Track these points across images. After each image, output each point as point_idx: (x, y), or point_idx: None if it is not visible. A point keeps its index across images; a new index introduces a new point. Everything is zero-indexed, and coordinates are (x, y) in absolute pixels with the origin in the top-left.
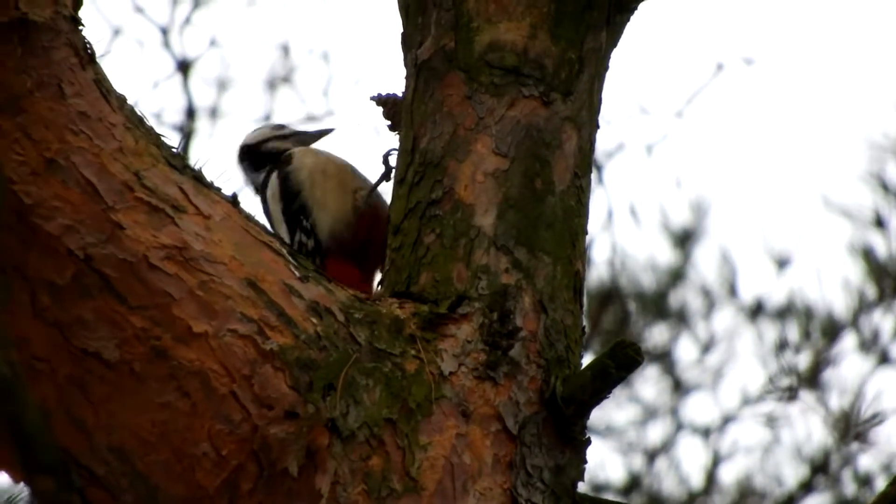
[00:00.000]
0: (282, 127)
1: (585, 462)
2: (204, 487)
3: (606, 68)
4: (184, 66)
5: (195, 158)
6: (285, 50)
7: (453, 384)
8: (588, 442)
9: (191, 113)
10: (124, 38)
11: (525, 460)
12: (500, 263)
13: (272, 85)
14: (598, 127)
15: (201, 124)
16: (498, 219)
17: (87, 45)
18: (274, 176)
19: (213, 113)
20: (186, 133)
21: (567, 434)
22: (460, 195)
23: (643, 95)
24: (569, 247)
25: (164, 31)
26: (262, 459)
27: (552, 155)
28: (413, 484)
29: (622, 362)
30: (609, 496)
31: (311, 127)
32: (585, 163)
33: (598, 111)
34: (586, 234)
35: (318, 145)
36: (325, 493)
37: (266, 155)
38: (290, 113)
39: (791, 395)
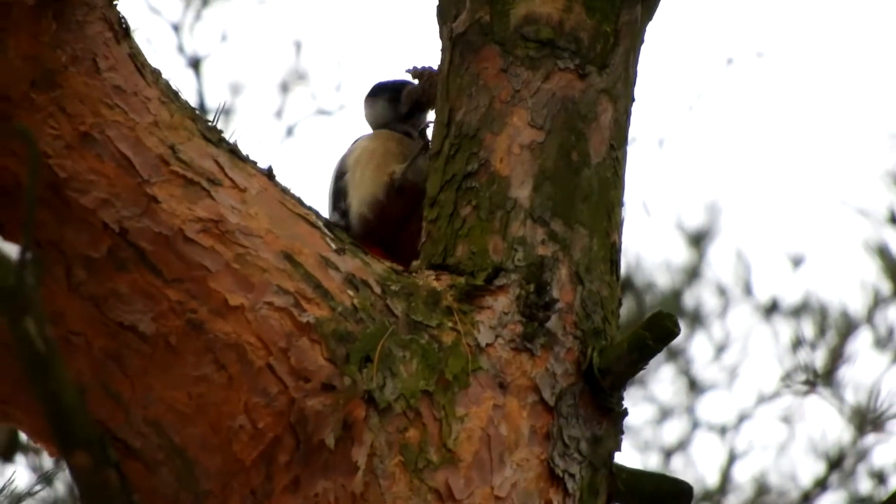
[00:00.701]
0: (396, 96)
1: (622, 433)
2: (240, 460)
3: (642, 41)
4: (195, 64)
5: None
6: (298, 46)
7: (490, 356)
8: (625, 413)
9: (203, 110)
10: (136, 36)
11: (562, 431)
12: (536, 235)
13: (286, 86)
14: (633, 100)
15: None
16: (534, 191)
17: (122, 20)
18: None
19: (226, 112)
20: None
21: (604, 405)
22: (496, 167)
23: (654, 89)
24: (605, 219)
25: (176, 29)
26: (298, 432)
27: (588, 127)
28: (450, 455)
29: (659, 333)
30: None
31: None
32: (621, 135)
33: (633, 84)
34: (623, 206)
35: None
36: (362, 465)
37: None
38: (302, 108)
39: (807, 392)
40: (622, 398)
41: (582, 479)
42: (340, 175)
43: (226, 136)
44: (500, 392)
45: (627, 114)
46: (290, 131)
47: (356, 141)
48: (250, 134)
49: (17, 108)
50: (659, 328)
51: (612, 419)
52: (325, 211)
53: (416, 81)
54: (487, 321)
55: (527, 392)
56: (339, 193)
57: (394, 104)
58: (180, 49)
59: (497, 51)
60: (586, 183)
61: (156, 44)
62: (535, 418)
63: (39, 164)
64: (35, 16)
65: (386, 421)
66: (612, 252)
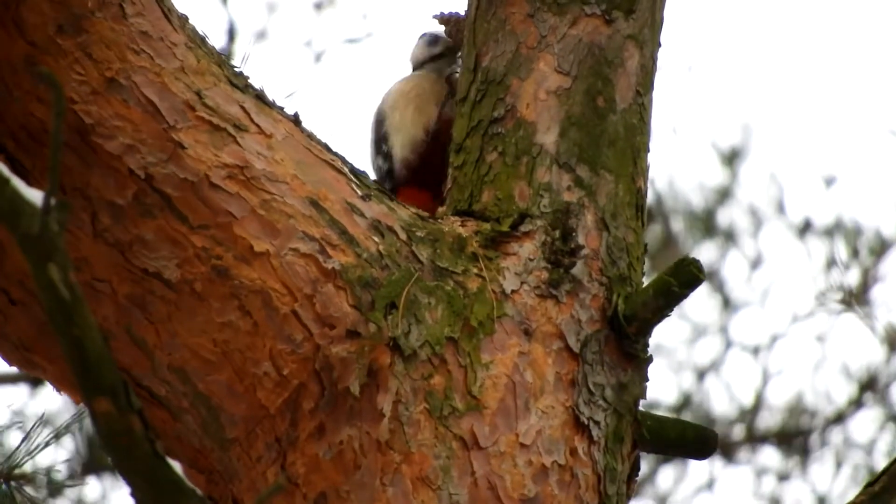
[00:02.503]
0: (435, 40)
1: (647, 380)
2: (265, 407)
3: None
4: None
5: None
6: None
7: (515, 302)
8: (650, 360)
9: (231, 35)
10: None
11: (587, 378)
12: (562, 181)
13: (319, 5)
14: (660, 45)
15: (243, 47)
16: (560, 136)
17: None
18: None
19: (260, 36)
20: (227, 55)
21: (629, 352)
22: (522, 113)
23: (686, 13)
24: (631, 164)
25: None
26: (323, 379)
27: (614, 73)
28: (475, 402)
29: (684, 279)
30: (660, 413)
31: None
32: (648, 81)
33: (660, 29)
34: (648, 151)
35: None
36: (387, 412)
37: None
38: (330, 35)
39: (840, 311)
40: (647, 345)
41: (607, 426)
42: (380, 121)
43: (252, 80)
44: (525, 339)
45: (654, 59)
46: (318, 58)
47: (389, 89)
48: (280, 62)
49: (44, 54)
50: (684, 274)
51: (637, 366)
52: (354, 157)
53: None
54: (513, 267)
55: (552, 339)
56: (380, 139)
57: (431, 45)
58: None
59: None
60: (612, 128)
61: None
62: (560, 365)
63: (65, 109)
64: None
65: (411, 368)
66: (638, 198)
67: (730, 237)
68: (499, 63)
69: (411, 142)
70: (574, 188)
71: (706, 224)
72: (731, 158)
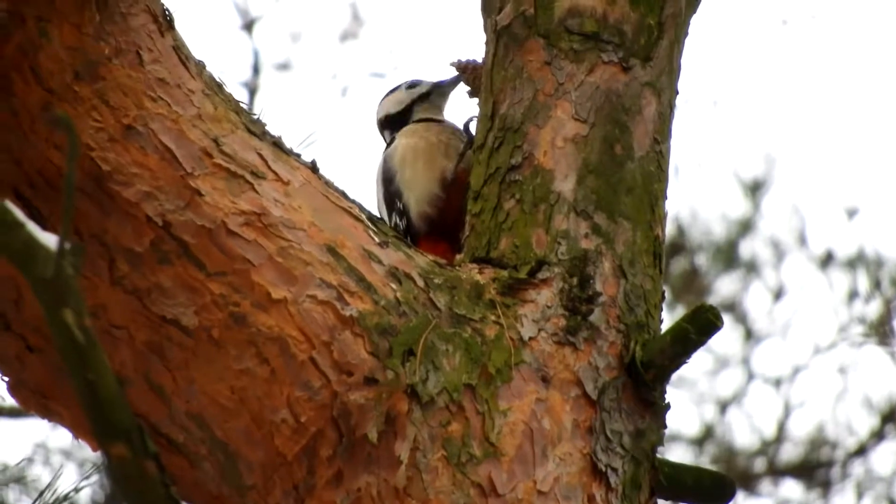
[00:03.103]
0: (416, 84)
1: (665, 427)
2: (283, 454)
3: (686, 34)
4: (249, 23)
5: (261, 112)
6: (353, 6)
7: (533, 349)
8: (668, 407)
9: (256, 69)
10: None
11: (605, 425)
12: (579, 228)
13: (343, 38)
14: (677, 93)
15: (268, 80)
16: (577, 184)
17: (166, 12)
18: (381, 159)
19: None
20: (251, 89)
21: (647, 399)
22: (540, 160)
23: (709, 51)
24: (648, 212)
25: None
26: (341, 426)
27: (632, 120)
28: (493, 449)
29: (702, 326)
30: (682, 446)
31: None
32: (665, 128)
33: (677, 77)
34: (666, 199)
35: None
36: (405, 459)
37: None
38: (356, 69)
39: (862, 343)
40: (665, 392)
41: (625, 473)
42: (389, 179)
43: (269, 128)
44: (543, 386)
45: (671, 107)
46: (344, 92)
47: (392, 143)
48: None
49: (61, 101)
50: (702, 321)
51: (654, 412)
52: (371, 204)
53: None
54: (530, 314)
55: (570, 386)
56: (393, 196)
57: (412, 88)
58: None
59: (541, 44)
60: (630, 176)
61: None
62: (578, 412)
63: (79, 151)
64: (79, 6)
65: (429, 415)
66: (656, 245)
67: (752, 269)
68: (516, 110)
69: (427, 196)
70: (591, 235)
71: (729, 256)
72: (754, 190)
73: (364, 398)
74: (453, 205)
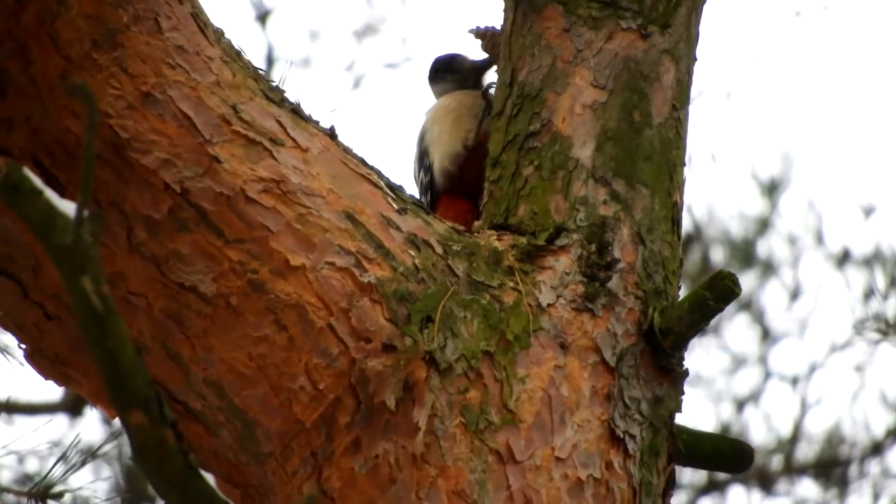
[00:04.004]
0: (455, 71)
1: (683, 393)
2: (301, 421)
3: (704, 1)
4: (263, 17)
5: (281, 80)
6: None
7: (551, 316)
8: (686, 373)
9: (271, 61)
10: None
11: (623, 392)
12: (598, 195)
13: (360, 35)
14: (695, 59)
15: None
16: (596, 151)
17: None
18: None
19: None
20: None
21: (665, 366)
22: (558, 127)
23: (722, 42)
24: (667, 178)
25: None
26: (359, 393)
27: (650, 87)
28: (511, 416)
29: (720, 293)
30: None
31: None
32: (683, 95)
33: (695, 44)
34: (684, 165)
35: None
36: (423, 425)
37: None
38: (370, 61)
39: (878, 341)
40: (683, 358)
41: (642, 440)
42: (422, 136)
43: (288, 95)
44: (561, 352)
45: (689, 74)
46: (357, 83)
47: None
48: (319, 86)
49: (79, 69)
50: (720, 288)
51: (672, 379)
52: (390, 172)
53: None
54: (549, 281)
55: (588, 352)
56: (422, 153)
57: (449, 74)
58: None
59: (560, 10)
60: (648, 143)
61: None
62: (596, 379)
63: (97, 120)
64: None
65: (447, 382)
66: (674, 212)
67: (769, 267)
68: (535, 77)
69: (450, 153)
70: (610, 202)
71: (745, 254)
72: (771, 189)
73: (382, 365)
74: (475, 165)
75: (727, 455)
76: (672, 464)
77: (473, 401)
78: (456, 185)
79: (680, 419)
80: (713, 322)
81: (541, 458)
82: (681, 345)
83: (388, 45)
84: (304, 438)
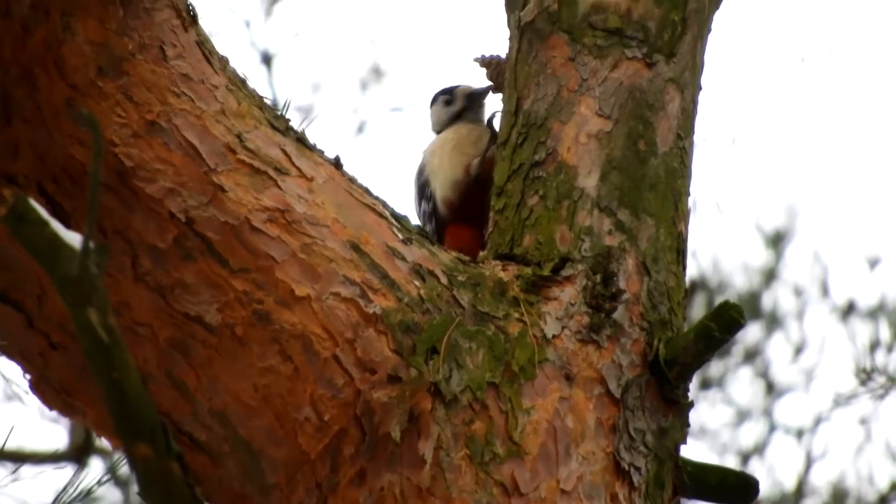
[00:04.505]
0: (450, 102)
1: (688, 425)
2: (306, 452)
3: (709, 30)
4: (267, 60)
5: (285, 108)
6: (373, 42)
7: (556, 347)
8: (691, 405)
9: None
10: (207, 32)
11: (628, 423)
12: (603, 225)
13: (364, 83)
14: (700, 88)
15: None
16: (601, 180)
17: (190, 7)
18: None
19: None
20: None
21: (670, 397)
22: (563, 157)
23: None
24: (672, 208)
25: (248, 25)
26: (364, 424)
27: (655, 116)
28: (516, 448)
29: (725, 324)
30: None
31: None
32: (688, 124)
33: (700, 73)
34: (689, 195)
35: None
36: (429, 457)
37: (457, 97)
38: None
39: (884, 394)
40: (688, 390)
41: (648, 471)
42: (421, 170)
43: (293, 125)
44: (567, 384)
45: (695, 103)
46: (361, 128)
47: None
48: (324, 129)
49: (84, 96)
50: (725, 319)
51: (678, 411)
52: (394, 202)
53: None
54: (554, 312)
55: (593, 384)
56: (423, 184)
57: (449, 104)
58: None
59: (565, 39)
60: (653, 172)
61: (227, 39)
62: (601, 410)
63: (103, 150)
64: (102, 2)
65: (452, 413)
66: (679, 242)
67: (774, 320)
68: (540, 106)
69: (451, 182)
70: (615, 232)
71: (751, 306)
72: (776, 240)
73: (387, 396)
74: (477, 193)
75: (732, 487)
76: (677, 496)
77: (479, 432)
78: (459, 214)
79: (685, 451)
80: (718, 375)
81: (546, 491)
82: (686, 376)
83: (393, 89)
84: (309, 469)
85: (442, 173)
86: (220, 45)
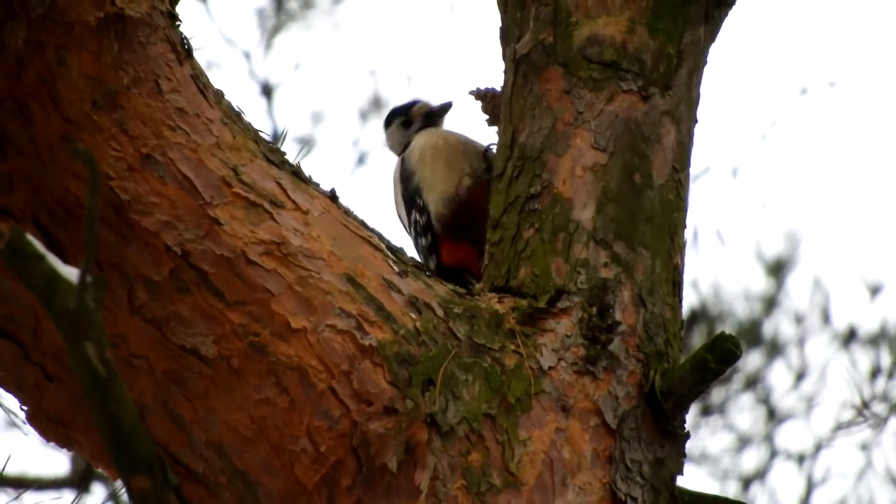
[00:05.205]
0: (408, 124)
1: (685, 456)
2: (303, 483)
3: (705, 63)
4: (267, 91)
5: (281, 141)
6: (373, 74)
7: (553, 379)
8: (688, 435)
9: (275, 138)
10: (207, 63)
11: (624, 454)
12: (599, 257)
13: (364, 115)
14: (696, 121)
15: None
16: (597, 213)
17: (185, 41)
18: (398, 160)
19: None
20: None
21: (666, 428)
22: (559, 189)
23: (727, 118)
24: (668, 240)
25: (248, 57)
26: (361, 455)
27: (651, 149)
28: (513, 479)
29: (721, 355)
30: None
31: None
32: (684, 157)
33: (696, 105)
34: (685, 227)
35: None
36: (425, 488)
37: (414, 116)
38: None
39: (882, 424)
40: (684, 420)
41: (644, 502)
42: (408, 177)
43: (288, 158)
44: (563, 415)
45: (690, 135)
46: (361, 159)
47: (408, 145)
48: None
49: (80, 130)
50: (721, 350)
51: (674, 441)
52: (392, 234)
53: (425, 101)
54: (550, 344)
55: (589, 415)
56: (413, 194)
57: (406, 126)
58: (252, 75)
59: (560, 72)
60: (649, 205)
61: (227, 71)
62: (598, 441)
63: (100, 185)
64: (97, 36)
65: (448, 444)
66: (675, 274)
67: (775, 347)
68: (535, 139)
69: (444, 198)
70: (611, 264)
71: (752, 334)
72: (777, 268)
73: (384, 428)
74: (468, 210)
75: None
76: None
77: (475, 463)
78: (451, 228)
79: (681, 482)
80: (720, 401)
81: None
82: (682, 407)
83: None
84: (305, 500)
85: (437, 188)
86: (220, 77)
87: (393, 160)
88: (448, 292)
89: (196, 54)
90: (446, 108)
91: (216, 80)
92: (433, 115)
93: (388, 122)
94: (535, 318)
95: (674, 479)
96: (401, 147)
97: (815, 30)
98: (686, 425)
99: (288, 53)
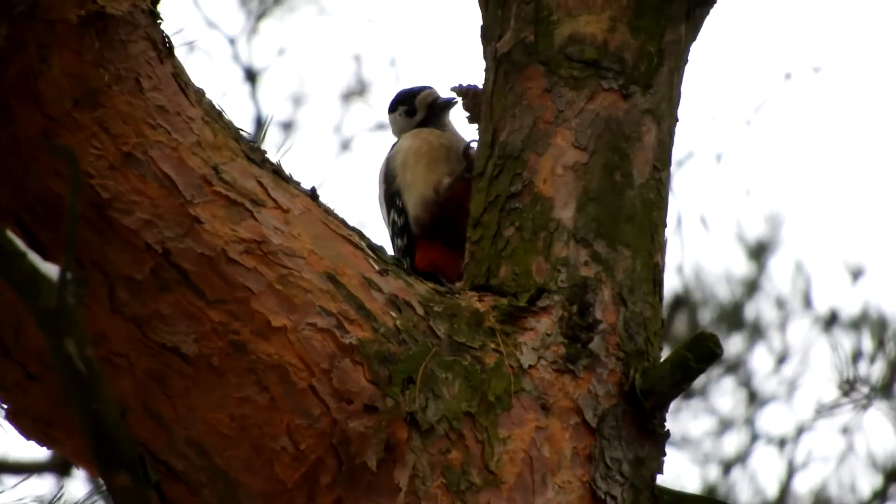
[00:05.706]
0: (412, 113)
1: (665, 454)
2: (283, 482)
3: (686, 62)
4: (252, 76)
5: (262, 140)
6: (357, 60)
7: (533, 377)
8: (668, 434)
9: (259, 123)
10: (192, 48)
11: (604, 453)
12: (579, 256)
13: (347, 98)
14: (677, 120)
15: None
16: (577, 212)
17: (166, 39)
18: (384, 159)
19: (286, 126)
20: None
21: (646, 427)
22: (540, 188)
23: (712, 104)
24: (648, 239)
25: (233, 42)
26: (341, 453)
27: (632, 148)
28: (492, 477)
29: (702, 355)
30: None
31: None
32: (665, 156)
33: (677, 104)
34: (666, 226)
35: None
36: (404, 486)
37: (419, 106)
38: (360, 122)
39: (865, 404)
40: (665, 419)
41: (624, 500)
42: (390, 179)
43: (270, 156)
44: (543, 414)
45: (671, 134)
46: (346, 145)
47: (396, 143)
48: (308, 148)
49: (61, 128)
50: (702, 349)
51: (654, 440)
52: (372, 233)
53: (433, 88)
54: (530, 342)
55: (569, 414)
56: (392, 195)
57: (411, 114)
58: (236, 60)
59: (541, 71)
60: (630, 203)
61: (213, 56)
62: (578, 440)
63: (81, 183)
64: (78, 34)
65: (428, 442)
66: (656, 273)
67: (757, 330)
68: (516, 138)
69: (422, 201)
70: (591, 263)
71: (733, 317)
72: (759, 251)
73: (364, 426)
74: (447, 212)
75: None
76: None
77: (455, 462)
78: (429, 231)
79: (662, 480)
80: (701, 385)
81: None
82: (662, 406)
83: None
84: (285, 499)
85: (415, 191)
86: (204, 62)
87: (381, 146)
88: (428, 291)
89: (180, 38)
90: (450, 103)
91: (200, 65)
92: (437, 108)
93: (393, 108)
94: (515, 316)
95: (654, 478)
96: (401, 134)
97: (800, 15)
98: (666, 424)
99: (272, 38)
